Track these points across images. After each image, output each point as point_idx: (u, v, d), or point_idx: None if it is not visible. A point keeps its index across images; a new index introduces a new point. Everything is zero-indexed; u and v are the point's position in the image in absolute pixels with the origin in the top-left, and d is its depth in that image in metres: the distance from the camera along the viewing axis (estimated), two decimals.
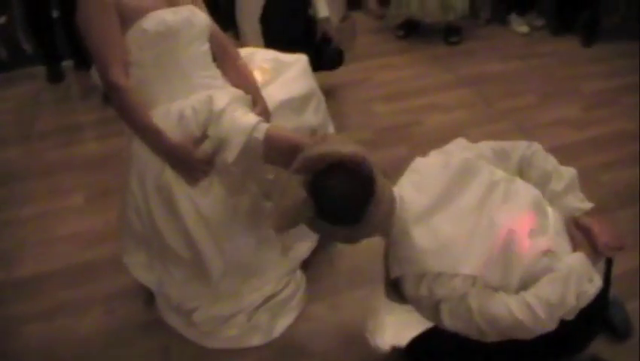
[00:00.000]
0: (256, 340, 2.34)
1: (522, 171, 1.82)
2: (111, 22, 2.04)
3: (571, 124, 3.68)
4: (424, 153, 1.82)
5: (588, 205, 1.77)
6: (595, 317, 1.72)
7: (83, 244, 2.86)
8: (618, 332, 2.20)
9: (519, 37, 4.97)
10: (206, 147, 2.11)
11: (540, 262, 1.59)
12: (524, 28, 4.99)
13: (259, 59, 2.54)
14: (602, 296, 1.65)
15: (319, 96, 2.61)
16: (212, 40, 2.31)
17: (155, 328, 2.40)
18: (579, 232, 1.70)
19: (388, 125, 3.75)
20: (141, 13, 2.07)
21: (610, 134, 3.57)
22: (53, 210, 3.14)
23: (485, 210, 1.62)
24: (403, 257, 1.61)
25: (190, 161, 2.10)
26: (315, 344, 2.33)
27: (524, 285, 1.58)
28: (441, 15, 4.74)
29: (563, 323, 1.56)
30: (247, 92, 2.29)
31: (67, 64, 4.68)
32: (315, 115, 2.54)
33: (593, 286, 1.60)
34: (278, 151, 2.08)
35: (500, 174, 1.72)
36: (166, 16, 2.10)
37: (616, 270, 1.78)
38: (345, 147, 1.57)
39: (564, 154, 1.87)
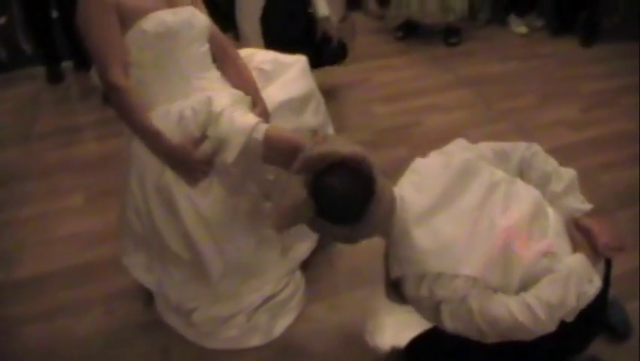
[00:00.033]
0: (255, 340, 2.34)
1: (522, 172, 1.83)
2: (110, 22, 2.05)
3: (570, 125, 3.68)
4: (423, 153, 1.82)
5: (588, 206, 1.77)
6: (595, 318, 1.72)
7: (83, 245, 2.86)
8: (617, 333, 2.20)
9: (518, 38, 4.97)
10: (206, 147, 2.11)
11: (541, 263, 1.59)
12: (523, 29, 5.00)
13: (258, 60, 2.54)
14: (602, 297, 1.65)
15: (319, 97, 2.61)
16: (212, 41, 2.31)
17: (155, 328, 2.40)
18: (579, 233, 1.70)
19: (387, 126, 3.75)
20: (140, 14, 2.08)
21: (609, 134, 3.57)
22: (52, 210, 3.14)
23: (485, 211, 1.63)
24: (403, 257, 1.61)
25: (190, 162, 2.10)
26: (315, 345, 2.33)
27: (524, 286, 1.58)
28: (441, 16, 4.75)
29: (563, 324, 1.56)
30: (246, 93, 2.30)
31: (67, 64, 4.68)
32: (314, 116, 2.54)
33: (593, 287, 1.60)
34: (277, 151, 2.08)
35: (500, 175, 1.72)
36: (166, 17, 2.11)
37: (615, 270, 1.79)
38: (345, 147, 1.57)
39: (563, 155, 1.87)
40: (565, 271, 1.57)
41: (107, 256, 2.69)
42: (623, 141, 3.49)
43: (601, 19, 4.78)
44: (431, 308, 1.60)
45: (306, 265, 2.58)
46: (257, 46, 3.13)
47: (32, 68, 4.74)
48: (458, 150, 1.80)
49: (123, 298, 2.55)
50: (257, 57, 2.55)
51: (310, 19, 3.63)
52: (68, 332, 2.42)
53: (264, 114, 2.27)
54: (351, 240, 1.66)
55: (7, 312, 2.53)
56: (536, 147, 1.85)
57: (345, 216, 1.55)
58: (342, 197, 1.53)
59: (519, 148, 1.85)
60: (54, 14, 4.47)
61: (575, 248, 1.67)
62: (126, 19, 2.06)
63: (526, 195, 1.70)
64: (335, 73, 4.00)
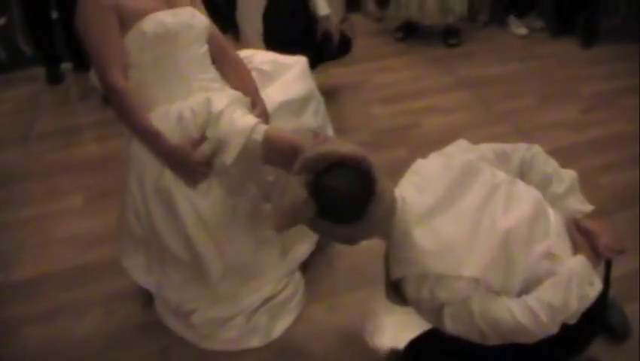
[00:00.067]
0: (255, 341, 2.34)
1: (523, 173, 1.82)
2: (109, 24, 2.05)
3: (569, 126, 3.69)
4: (423, 155, 1.82)
5: (589, 208, 1.77)
6: (595, 320, 1.72)
7: (82, 246, 2.86)
8: (616, 334, 2.20)
9: (517, 40, 4.98)
10: (205, 148, 2.11)
11: (542, 265, 1.59)
12: (523, 30, 5.01)
13: (258, 61, 2.54)
14: (602, 298, 1.65)
15: (318, 98, 2.61)
16: (211, 42, 2.31)
17: (154, 330, 2.40)
18: (579, 234, 1.70)
19: (386, 128, 3.75)
20: (140, 15, 2.08)
21: (609, 136, 3.57)
22: (52, 211, 3.14)
23: (487, 212, 1.62)
24: (404, 258, 1.61)
25: (189, 163, 2.10)
26: (314, 346, 2.32)
27: (526, 288, 1.57)
28: (440, 17, 4.75)
29: (563, 326, 1.56)
30: (246, 93, 2.30)
31: (66, 66, 4.69)
32: (314, 117, 2.54)
33: (594, 289, 1.60)
34: (277, 152, 2.08)
35: (501, 176, 1.72)
36: (165, 18, 2.11)
37: (615, 272, 1.78)
38: (345, 146, 1.57)
39: (563, 156, 1.87)
40: (567, 274, 1.56)
41: (106, 258, 2.69)
42: (622, 142, 3.49)
43: (600, 21, 4.78)
44: (432, 310, 1.60)
45: (305, 266, 2.58)
46: (257, 46, 3.13)
47: (31, 69, 4.74)
48: (459, 151, 1.80)
49: (122, 300, 2.55)
50: (256, 58, 2.56)
51: (310, 19, 3.61)
52: (67, 333, 2.42)
53: (264, 115, 2.28)
54: (351, 240, 1.66)
55: (6, 313, 2.53)
56: (537, 148, 1.85)
57: (345, 215, 1.55)
58: (342, 196, 1.53)
59: (520, 149, 1.84)
60: (54, 15, 4.48)
61: (576, 249, 1.67)
62: (126, 21, 2.07)
63: (527, 196, 1.70)
64: (335, 74, 4.00)
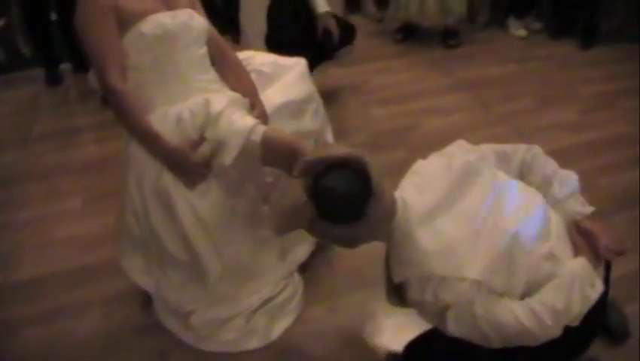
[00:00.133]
0: (254, 343, 2.34)
1: (523, 174, 1.82)
2: (109, 25, 2.05)
3: (568, 127, 3.69)
4: (422, 156, 1.82)
5: (589, 209, 1.76)
6: (595, 321, 1.72)
7: (82, 247, 2.86)
8: (615, 335, 2.21)
9: (517, 41, 4.98)
10: (204, 149, 2.11)
11: (543, 267, 1.58)
12: (522, 32, 5.01)
13: (257, 63, 2.54)
14: (602, 299, 1.65)
15: (318, 100, 2.61)
16: (210, 43, 2.31)
17: (153, 331, 2.40)
18: (580, 236, 1.70)
19: (386, 129, 3.76)
20: (139, 16, 2.08)
21: (608, 137, 3.58)
22: (51, 213, 3.14)
23: (488, 213, 1.62)
24: (406, 260, 1.60)
25: (188, 164, 2.10)
26: (313, 347, 2.33)
27: (528, 290, 1.57)
28: (440, 18, 4.75)
29: (564, 328, 1.56)
30: (245, 95, 2.30)
31: (65, 67, 4.68)
32: (313, 119, 2.54)
33: (595, 291, 1.59)
34: (275, 153, 2.09)
35: (502, 176, 1.72)
36: (164, 19, 2.11)
37: (615, 273, 1.78)
38: (342, 149, 1.58)
39: (562, 157, 1.87)
40: (569, 276, 1.56)
41: (105, 259, 2.69)
42: (621, 143, 3.50)
43: (599, 22, 4.79)
44: (435, 312, 1.60)
45: (304, 268, 2.58)
46: (258, 47, 3.13)
47: (30, 71, 4.74)
48: (459, 152, 1.80)
49: (121, 301, 2.55)
50: (256, 59, 2.56)
51: (311, 18, 3.59)
52: (66, 335, 2.42)
53: (262, 117, 2.28)
54: (351, 242, 1.66)
55: (5, 314, 2.53)
56: (537, 149, 1.85)
57: (344, 216, 1.55)
58: (341, 197, 1.53)
59: (520, 150, 1.84)
60: (53, 17, 4.47)
61: (576, 251, 1.67)
62: (125, 22, 2.07)
63: (528, 197, 1.70)
64: (334, 75, 4.00)
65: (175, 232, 2.19)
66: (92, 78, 3.83)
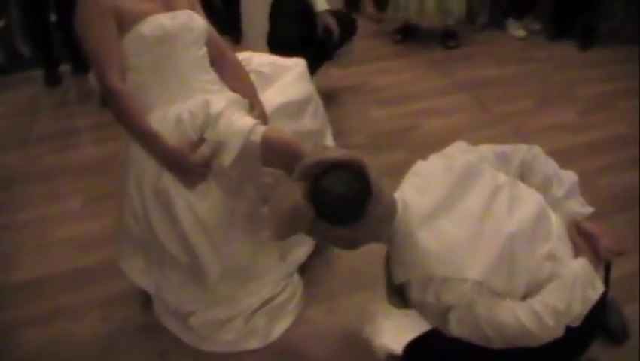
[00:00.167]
0: (253, 344, 2.34)
1: (523, 174, 1.82)
2: (108, 26, 2.05)
3: (568, 128, 3.69)
4: (421, 157, 1.82)
5: (589, 210, 1.77)
6: (595, 321, 1.72)
7: (81, 248, 2.86)
8: (615, 336, 2.21)
9: (516, 42, 4.99)
10: (203, 150, 2.12)
11: (544, 268, 1.58)
12: (521, 33, 5.01)
13: (257, 63, 2.54)
14: (601, 300, 1.65)
15: (317, 100, 2.61)
16: (210, 44, 2.31)
17: (153, 332, 2.40)
18: (580, 237, 1.70)
19: (385, 130, 3.76)
20: (138, 17, 2.08)
21: (606, 138, 3.58)
22: (50, 214, 3.14)
23: (489, 213, 1.62)
24: (407, 261, 1.60)
25: (187, 165, 2.10)
26: (313, 348, 2.33)
27: (529, 291, 1.57)
28: (439, 19, 4.76)
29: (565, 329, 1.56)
30: (244, 96, 2.30)
31: (65, 68, 4.68)
32: (313, 119, 2.54)
33: (596, 292, 1.60)
34: (275, 153, 2.09)
35: (503, 177, 1.72)
36: (164, 20, 2.11)
37: (615, 273, 1.79)
38: (340, 152, 1.58)
39: (561, 158, 1.87)
40: (570, 277, 1.56)
41: (105, 260, 2.69)
42: (620, 144, 3.50)
43: (598, 23, 4.80)
44: (437, 314, 1.59)
45: (304, 268, 2.59)
46: (260, 48, 3.13)
47: (30, 71, 4.74)
48: (459, 153, 1.80)
49: (121, 302, 2.55)
50: (255, 60, 2.56)
51: (311, 17, 3.57)
52: (66, 335, 2.42)
53: (262, 117, 2.28)
54: (351, 244, 1.66)
55: (5, 315, 2.53)
56: (537, 150, 1.84)
57: (344, 217, 1.55)
58: (340, 197, 1.53)
59: (520, 151, 1.84)
60: (53, 18, 4.47)
61: (577, 252, 1.67)
62: (124, 23, 2.07)
63: (529, 198, 1.70)
64: (333, 76, 4.00)
65: (175, 232, 2.19)
66: (91, 79, 3.84)
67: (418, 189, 1.68)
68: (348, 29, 3.75)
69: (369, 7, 5.49)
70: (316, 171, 1.55)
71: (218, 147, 2.11)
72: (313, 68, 3.34)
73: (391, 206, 1.61)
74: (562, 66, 4.52)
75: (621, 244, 1.71)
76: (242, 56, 2.53)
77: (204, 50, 2.28)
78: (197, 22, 2.24)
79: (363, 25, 5.13)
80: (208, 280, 2.27)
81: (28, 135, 3.92)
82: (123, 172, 2.26)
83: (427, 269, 1.55)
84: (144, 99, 2.13)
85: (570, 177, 1.79)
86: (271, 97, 2.41)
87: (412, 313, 1.70)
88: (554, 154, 1.86)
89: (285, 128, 2.31)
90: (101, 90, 2.16)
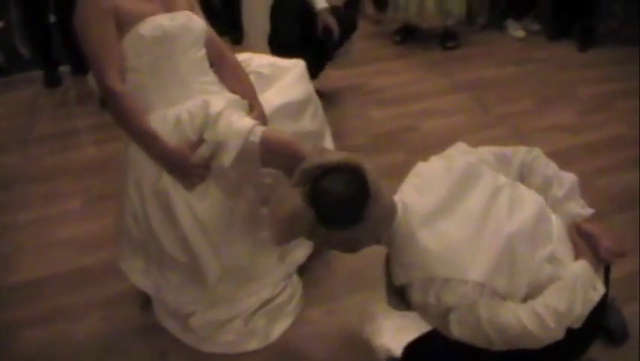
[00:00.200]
0: (253, 344, 2.34)
1: (523, 176, 1.82)
2: (108, 27, 2.05)
3: (567, 129, 3.70)
4: (420, 158, 1.82)
5: (589, 211, 1.77)
6: (595, 322, 1.72)
7: (81, 249, 2.86)
8: (614, 336, 2.21)
9: (515, 43, 4.99)
10: (203, 151, 2.12)
11: (545, 269, 1.58)
12: (520, 33, 5.02)
13: (256, 64, 2.54)
14: (601, 301, 1.66)
15: (316, 101, 2.61)
16: (209, 45, 2.31)
17: (152, 333, 2.40)
18: (581, 238, 1.70)
19: (384, 131, 3.76)
20: (138, 18, 2.08)
21: (606, 138, 3.59)
22: (50, 215, 3.13)
23: (490, 215, 1.62)
24: (408, 262, 1.60)
25: (187, 165, 2.11)
26: (313, 349, 2.33)
27: (530, 293, 1.57)
28: (439, 19, 4.76)
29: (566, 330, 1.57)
30: (244, 97, 2.30)
31: (64, 69, 4.68)
32: (312, 120, 2.54)
33: (597, 293, 1.60)
34: (274, 154, 2.10)
35: (503, 179, 1.72)
36: (163, 21, 2.11)
37: (615, 273, 1.79)
38: (338, 155, 1.59)
39: (560, 159, 1.88)
40: (571, 279, 1.56)
41: (105, 260, 2.69)
42: (619, 144, 3.51)
43: (598, 24, 4.80)
44: (438, 315, 1.59)
45: (303, 269, 2.59)
46: (261, 49, 3.13)
47: (29, 72, 4.74)
48: (460, 154, 1.80)
49: (120, 302, 2.55)
50: (254, 61, 2.56)
51: (311, 16, 3.56)
52: (66, 336, 2.42)
53: (261, 118, 2.28)
54: (352, 246, 1.66)
55: (4, 316, 2.53)
56: (537, 151, 1.84)
57: (343, 218, 1.55)
58: (338, 199, 1.53)
59: (520, 152, 1.84)
60: (52, 19, 4.47)
61: (577, 253, 1.67)
62: (124, 24, 2.07)
63: (530, 199, 1.70)
64: (333, 77, 4.00)
65: (174, 233, 2.19)
66: (91, 80, 3.82)
67: (418, 190, 1.68)
68: (348, 28, 3.74)
69: (368, 8, 5.49)
70: (315, 174, 1.56)
71: (218, 148, 2.11)
72: (314, 70, 3.34)
73: (391, 207, 1.61)
74: (562, 67, 4.53)
75: (621, 245, 1.72)
76: (242, 57, 2.54)
77: (203, 51, 2.28)
78: (196, 23, 2.24)
79: (362, 26, 5.14)
80: (208, 280, 2.27)
81: (28, 136, 3.92)
82: (122, 173, 2.26)
83: (428, 270, 1.55)
84: (144, 100, 2.13)
85: (570, 178, 1.79)
86: (270, 98, 2.41)
87: (411, 314, 1.70)
88: (554, 154, 1.86)
89: (285, 129, 2.31)
90: (100, 91, 2.16)
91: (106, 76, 2.04)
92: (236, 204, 2.26)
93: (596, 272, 1.64)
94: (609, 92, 4.09)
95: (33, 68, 4.72)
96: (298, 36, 3.44)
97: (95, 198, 3.22)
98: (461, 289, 1.52)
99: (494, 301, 1.54)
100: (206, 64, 2.30)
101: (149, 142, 2.10)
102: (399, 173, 1.79)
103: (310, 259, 2.60)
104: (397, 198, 1.66)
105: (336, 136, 2.88)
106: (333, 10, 3.62)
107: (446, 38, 4.91)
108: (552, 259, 1.60)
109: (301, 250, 2.56)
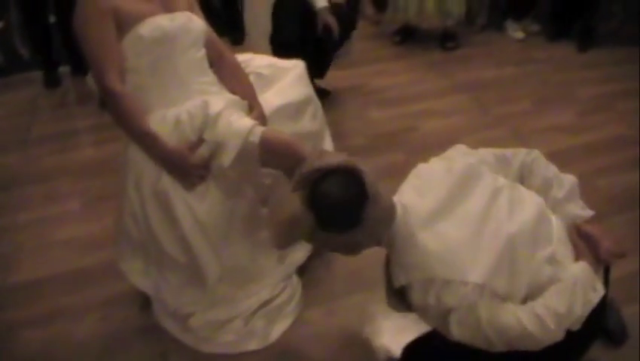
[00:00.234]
0: (252, 345, 2.34)
1: (523, 177, 1.83)
2: (107, 28, 2.05)
3: (566, 129, 3.70)
4: (420, 159, 1.82)
5: (589, 212, 1.77)
6: (595, 323, 1.72)
7: (81, 250, 2.86)
8: (614, 337, 2.21)
9: (514, 43, 5.00)
10: (203, 151, 2.12)
11: (545, 271, 1.59)
12: (520, 34, 5.02)
13: (256, 65, 2.54)
14: (601, 302, 1.66)
15: (316, 102, 2.61)
16: (208, 46, 2.31)
17: (152, 333, 2.40)
18: (581, 240, 1.70)
19: (384, 131, 3.76)
20: (137, 19, 2.08)
21: (605, 139, 3.59)
22: (49, 215, 3.13)
23: (490, 216, 1.62)
24: (409, 264, 1.60)
25: (186, 166, 2.11)
26: (312, 349, 2.33)
27: (530, 294, 1.57)
28: (438, 20, 4.77)
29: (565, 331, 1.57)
30: (243, 97, 2.30)
31: (64, 69, 4.68)
32: (312, 121, 2.54)
33: (597, 294, 1.60)
34: (274, 154, 2.09)
35: (503, 180, 1.72)
36: (163, 22, 2.12)
37: (614, 274, 1.79)
38: (336, 158, 1.59)
39: (559, 159, 1.88)
40: (571, 280, 1.56)
41: (104, 261, 2.69)
42: (619, 145, 3.51)
43: (597, 25, 4.80)
44: (438, 316, 1.60)
45: (303, 270, 2.59)
46: (263, 49, 3.13)
47: (29, 73, 4.74)
48: (459, 155, 1.80)
49: (120, 303, 2.54)
50: (254, 62, 2.56)
51: (312, 15, 3.55)
52: (65, 336, 2.42)
53: (261, 119, 2.28)
54: (352, 249, 1.66)
55: (4, 316, 2.53)
56: (536, 153, 1.85)
57: (342, 221, 1.55)
58: (336, 201, 1.53)
59: (520, 154, 1.85)
60: (52, 19, 4.47)
61: (577, 255, 1.67)
62: (123, 25, 2.07)
63: (530, 200, 1.70)
64: (332, 77, 4.00)
65: (174, 234, 2.19)
66: (90, 80, 3.81)
67: (418, 192, 1.68)
68: (348, 27, 3.74)
69: (368, 9, 5.49)
70: (313, 177, 1.56)
71: (217, 148, 2.11)
72: (319, 69, 3.34)
73: (390, 208, 1.61)
74: (561, 67, 4.53)
75: (621, 246, 1.72)
76: (242, 57, 2.53)
77: (203, 52, 2.28)
78: (196, 23, 2.24)
79: (362, 26, 5.14)
80: (208, 281, 2.27)
81: (27, 136, 3.92)
82: (122, 173, 2.26)
83: (428, 271, 1.56)
84: (143, 100, 2.13)
85: (570, 180, 1.80)
86: (270, 98, 2.41)
87: (411, 314, 1.70)
88: (553, 155, 1.87)
89: (284, 130, 2.31)
90: (100, 92, 2.16)
91: (106, 76, 2.05)
92: (235, 204, 2.26)
93: (596, 273, 1.65)
94: (609, 93, 4.09)
95: (33, 68, 4.72)
96: (298, 36, 3.44)
97: (94, 198, 3.22)
98: (461, 290, 1.52)
99: (494, 303, 1.54)
100: (206, 64, 2.30)
101: (149, 142, 2.10)
102: (399, 173, 1.79)
103: (310, 259, 2.60)
104: (396, 199, 1.66)
105: (336, 136, 2.88)
106: (335, 7, 3.61)
107: (446, 39, 4.91)
108: (552, 261, 1.61)
109: (301, 251, 2.56)
